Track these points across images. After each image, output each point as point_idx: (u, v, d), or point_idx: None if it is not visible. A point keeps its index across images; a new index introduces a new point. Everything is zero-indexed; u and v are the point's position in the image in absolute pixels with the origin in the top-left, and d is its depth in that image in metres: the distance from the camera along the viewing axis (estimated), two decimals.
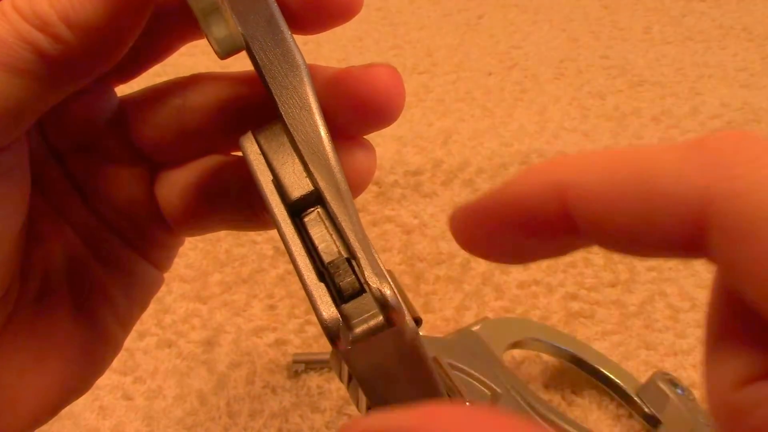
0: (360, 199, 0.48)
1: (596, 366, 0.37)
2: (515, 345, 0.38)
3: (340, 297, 0.17)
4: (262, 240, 0.46)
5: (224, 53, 0.18)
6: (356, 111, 0.19)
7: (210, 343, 0.40)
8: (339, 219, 0.17)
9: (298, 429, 0.36)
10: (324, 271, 0.17)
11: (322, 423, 0.36)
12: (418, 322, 0.18)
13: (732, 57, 0.63)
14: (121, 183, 0.23)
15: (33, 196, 0.21)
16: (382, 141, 0.54)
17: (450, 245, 0.45)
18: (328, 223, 0.18)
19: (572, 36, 0.68)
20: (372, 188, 0.49)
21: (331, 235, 0.18)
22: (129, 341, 0.40)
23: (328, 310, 0.16)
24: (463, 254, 0.45)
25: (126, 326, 0.24)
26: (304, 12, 0.19)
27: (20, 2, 0.16)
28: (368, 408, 0.21)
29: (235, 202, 0.22)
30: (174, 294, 0.43)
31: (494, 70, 0.63)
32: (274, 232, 0.47)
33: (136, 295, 0.24)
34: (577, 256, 0.44)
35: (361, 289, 0.17)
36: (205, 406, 0.37)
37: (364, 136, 0.20)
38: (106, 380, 0.38)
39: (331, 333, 0.16)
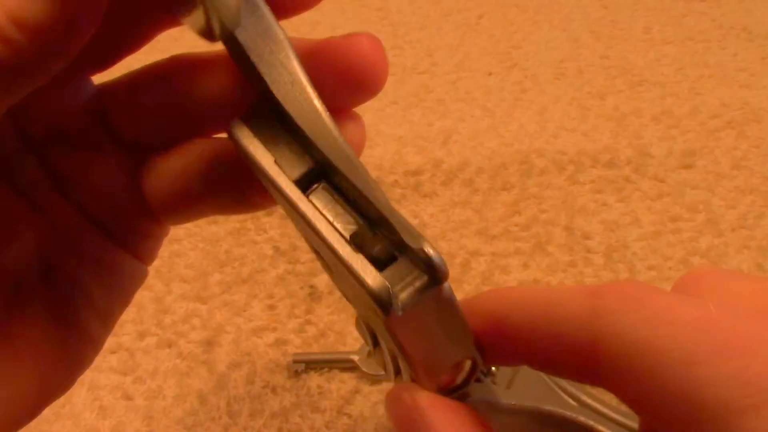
0: None
1: None
2: None
3: (375, 266, 0.16)
4: (262, 240, 0.46)
5: (230, 24, 0.16)
6: (339, 81, 0.19)
7: (210, 343, 0.40)
8: (358, 185, 0.17)
9: (298, 429, 0.36)
10: (349, 244, 0.17)
11: (322, 423, 0.36)
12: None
13: (732, 57, 0.63)
14: (103, 172, 0.22)
15: (3, 189, 0.20)
16: (382, 141, 0.54)
17: (450, 245, 0.45)
18: (336, 196, 0.18)
19: (572, 36, 0.68)
20: None
21: (342, 206, 0.17)
22: (129, 341, 0.40)
23: (375, 279, 0.16)
24: (463, 254, 0.45)
25: (107, 323, 0.23)
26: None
27: None
28: (397, 373, 0.21)
29: (221, 184, 0.22)
30: (174, 294, 0.43)
31: (494, 70, 0.63)
32: (274, 232, 0.47)
33: (118, 289, 0.23)
34: (577, 255, 0.44)
35: (393, 255, 0.16)
36: (205, 406, 0.37)
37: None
38: (106, 380, 0.38)
39: (383, 302, 0.15)
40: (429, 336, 0.18)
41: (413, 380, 0.19)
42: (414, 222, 0.47)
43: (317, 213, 0.17)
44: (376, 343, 0.21)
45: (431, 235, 0.46)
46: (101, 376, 0.39)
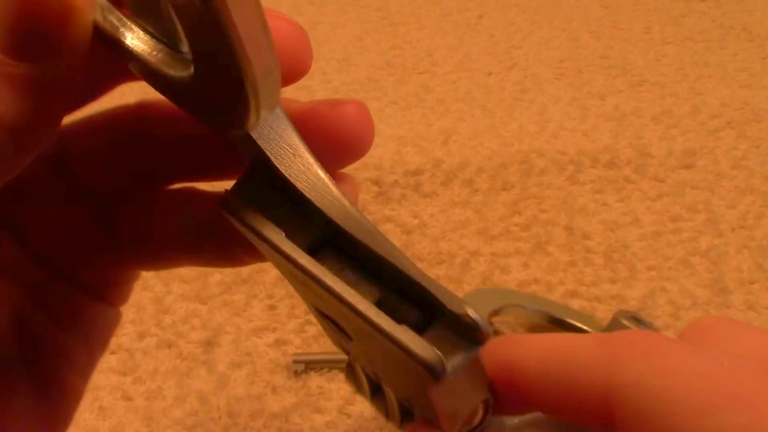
0: (360, 199, 0.48)
1: (574, 323, 0.39)
2: (495, 313, 0.39)
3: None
4: None
5: (265, 110, 0.16)
6: (325, 148, 0.19)
7: (210, 344, 0.40)
8: (382, 253, 0.17)
9: (298, 429, 0.36)
10: (387, 315, 0.17)
11: (322, 423, 0.36)
12: None
13: (732, 57, 0.63)
14: (66, 222, 0.21)
15: None
16: (382, 141, 0.54)
17: (450, 245, 0.45)
18: (346, 262, 0.18)
19: (572, 36, 0.68)
20: (372, 188, 0.49)
21: (354, 272, 0.17)
22: (129, 341, 0.40)
23: (425, 349, 0.15)
24: (463, 254, 0.45)
25: (86, 374, 0.22)
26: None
27: None
28: (403, 418, 0.21)
29: (200, 239, 0.21)
30: (174, 294, 0.43)
31: (494, 70, 0.63)
32: None
33: (95, 339, 0.22)
34: (577, 255, 0.44)
35: (425, 319, 0.16)
36: (205, 406, 0.37)
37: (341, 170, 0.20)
38: (105, 381, 0.38)
39: (436, 370, 0.15)
40: (459, 392, 0.18)
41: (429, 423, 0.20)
42: (414, 222, 0.47)
43: (340, 282, 0.17)
44: (375, 391, 0.21)
45: (431, 235, 0.46)
46: (101, 376, 0.39)
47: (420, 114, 0.58)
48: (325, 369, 0.38)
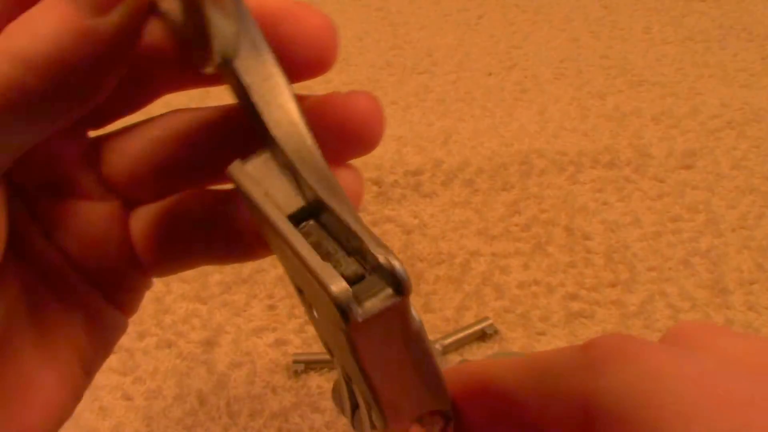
0: None
1: None
2: None
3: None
4: None
5: (221, 56, 0.18)
6: (337, 138, 0.19)
7: (210, 343, 0.40)
8: (343, 217, 0.17)
9: (298, 429, 0.36)
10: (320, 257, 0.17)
11: (322, 423, 0.36)
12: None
13: (732, 57, 0.63)
14: (91, 220, 0.22)
15: None
16: (382, 141, 0.53)
17: (450, 245, 0.45)
18: (323, 232, 0.18)
19: (572, 36, 0.68)
20: (372, 188, 0.49)
21: (327, 239, 0.18)
22: (129, 341, 0.40)
23: (339, 285, 0.16)
24: (463, 254, 0.45)
25: (89, 372, 0.23)
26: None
27: (2, 43, 0.16)
28: (354, 410, 0.21)
29: (213, 234, 0.22)
30: (174, 294, 0.43)
31: (494, 70, 0.63)
32: None
33: (101, 339, 0.23)
34: (577, 256, 0.44)
35: (364, 275, 0.17)
36: (204, 406, 0.37)
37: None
38: (105, 380, 0.38)
39: (343, 306, 0.15)
40: (396, 367, 0.18)
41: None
42: (414, 222, 0.47)
43: (301, 239, 0.17)
44: (354, 406, 0.21)
45: (431, 235, 0.46)
46: (101, 376, 0.38)
47: (420, 114, 0.58)
48: (325, 369, 0.38)
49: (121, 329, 0.24)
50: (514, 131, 0.55)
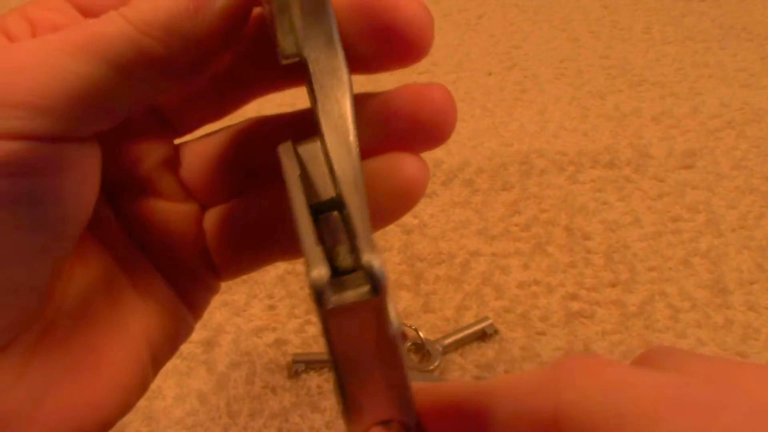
0: None
1: None
2: None
3: (336, 272, 0.17)
4: None
5: (285, 55, 0.19)
6: (410, 129, 0.20)
7: (210, 343, 0.40)
8: (352, 215, 0.18)
9: (298, 429, 0.36)
10: (329, 257, 0.18)
11: (322, 423, 0.36)
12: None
13: (732, 57, 0.63)
14: (169, 220, 0.23)
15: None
16: None
17: (450, 245, 0.45)
18: (341, 225, 0.19)
19: (572, 36, 0.68)
20: None
21: (342, 233, 0.19)
22: None
23: (319, 269, 0.16)
24: (463, 254, 0.45)
25: (156, 363, 0.24)
26: (370, 51, 0.20)
27: (129, 11, 0.18)
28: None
29: (282, 233, 0.23)
30: None
31: (494, 70, 0.63)
32: None
33: (169, 333, 0.24)
34: (577, 256, 0.44)
35: (355, 270, 0.17)
36: (205, 406, 0.37)
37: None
38: None
39: (316, 290, 0.16)
40: (365, 365, 0.18)
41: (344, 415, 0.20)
42: (414, 222, 0.47)
43: (307, 223, 0.18)
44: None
45: (431, 235, 0.46)
46: None
47: None
48: (325, 369, 0.38)
49: (188, 330, 0.25)
50: (514, 131, 0.55)
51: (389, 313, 0.17)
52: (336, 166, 0.19)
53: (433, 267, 0.44)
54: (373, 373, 0.19)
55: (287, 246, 0.23)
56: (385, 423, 0.20)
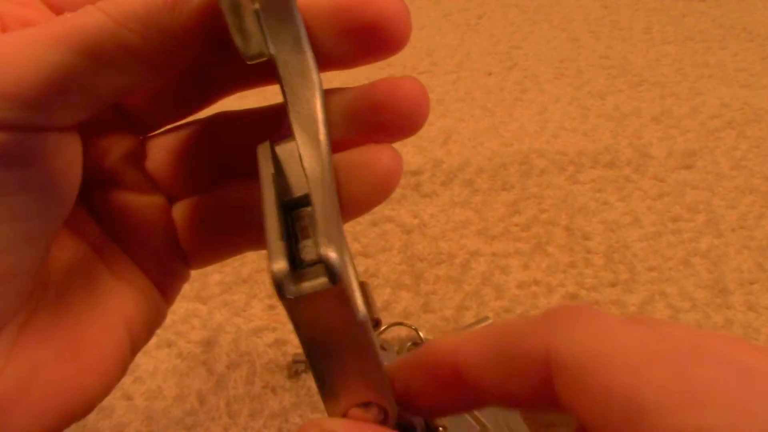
0: None
1: None
2: None
3: (300, 264, 0.18)
4: None
5: (247, 57, 0.19)
6: (384, 119, 0.21)
7: (210, 343, 0.40)
8: (316, 210, 0.19)
9: (298, 429, 0.36)
10: (295, 250, 0.19)
11: None
12: (376, 322, 0.20)
13: (732, 57, 0.63)
14: (137, 211, 0.24)
15: None
16: None
17: (450, 245, 0.45)
18: (310, 220, 0.20)
19: (572, 36, 0.68)
20: None
21: (311, 228, 0.20)
22: None
23: (278, 262, 0.17)
24: (463, 254, 0.45)
25: (134, 345, 0.24)
26: (348, 48, 0.20)
27: (106, 4, 0.18)
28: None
29: (249, 224, 0.24)
30: None
31: (494, 70, 0.63)
32: None
33: (145, 316, 0.24)
34: (577, 256, 0.44)
35: (317, 260, 0.18)
36: (204, 406, 0.37)
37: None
38: None
39: (276, 281, 0.17)
40: (335, 351, 0.19)
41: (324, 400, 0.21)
42: (414, 222, 0.47)
43: (274, 218, 0.19)
44: None
45: (431, 235, 0.46)
46: None
47: None
48: None
49: (162, 315, 0.26)
50: (514, 131, 0.55)
51: (353, 301, 0.18)
52: (305, 165, 0.20)
53: (433, 267, 0.44)
54: (346, 359, 0.20)
55: (256, 237, 0.24)
56: (364, 405, 0.21)
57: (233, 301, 0.42)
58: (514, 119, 0.57)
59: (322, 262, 0.17)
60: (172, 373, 0.38)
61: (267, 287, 0.43)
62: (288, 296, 0.17)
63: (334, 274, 0.17)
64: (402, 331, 0.40)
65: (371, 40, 0.20)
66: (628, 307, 0.41)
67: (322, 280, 0.17)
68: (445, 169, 0.51)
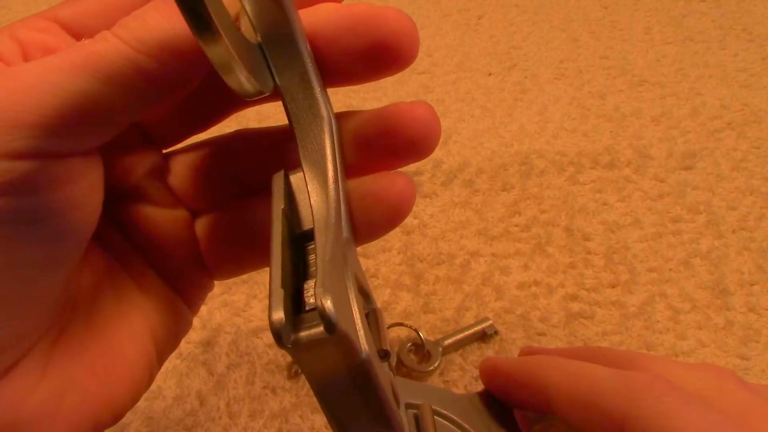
0: None
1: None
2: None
3: (303, 307, 0.18)
4: None
5: (247, 96, 0.19)
6: (396, 144, 0.21)
7: (209, 344, 0.40)
8: (318, 252, 0.19)
9: (298, 429, 0.36)
10: (301, 288, 0.19)
11: (322, 423, 0.36)
12: (385, 353, 0.21)
13: (732, 57, 0.63)
14: (160, 225, 0.24)
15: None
16: None
17: (450, 245, 0.45)
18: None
19: (572, 36, 0.68)
20: None
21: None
22: None
23: (278, 313, 0.17)
24: (463, 254, 0.45)
25: (161, 355, 0.25)
26: (359, 66, 0.21)
27: (122, 31, 0.18)
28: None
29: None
30: None
31: (494, 70, 0.63)
32: None
33: (170, 326, 0.25)
34: (577, 257, 0.44)
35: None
36: (204, 406, 0.37)
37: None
38: None
39: (274, 331, 0.17)
40: (342, 391, 0.20)
41: None
42: (414, 222, 0.47)
43: (278, 259, 0.19)
44: None
45: (431, 235, 0.46)
46: None
47: None
48: None
49: (187, 324, 0.26)
50: (514, 131, 0.55)
51: (354, 344, 0.18)
52: (312, 203, 0.20)
53: (433, 267, 0.44)
54: (352, 396, 0.20)
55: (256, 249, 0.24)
56: None
57: (233, 302, 0.42)
58: (514, 119, 0.57)
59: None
60: (172, 374, 0.38)
61: (267, 287, 0.43)
62: (288, 345, 0.18)
63: (330, 325, 0.17)
64: (402, 332, 0.40)
65: (381, 58, 0.20)
66: (628, 307, 0.41)
67: (319, 330, 0.18)
68: (445, 169, 0.51)
